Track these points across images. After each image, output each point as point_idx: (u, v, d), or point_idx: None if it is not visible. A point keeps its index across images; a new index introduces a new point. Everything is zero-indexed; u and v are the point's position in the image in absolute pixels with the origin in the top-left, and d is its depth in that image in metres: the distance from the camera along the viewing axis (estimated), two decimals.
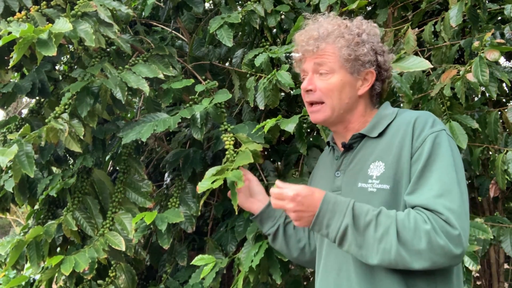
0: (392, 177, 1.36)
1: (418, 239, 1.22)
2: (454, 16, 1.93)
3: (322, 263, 1.50)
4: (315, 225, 1.34)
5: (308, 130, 2.48)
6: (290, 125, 1.86)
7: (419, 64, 1.61)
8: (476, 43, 1.74)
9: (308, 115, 1.84)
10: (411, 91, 1.82)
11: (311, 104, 1.53)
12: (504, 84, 2.63)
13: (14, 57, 1.79)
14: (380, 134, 1.46)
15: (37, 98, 2.42)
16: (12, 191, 2.02)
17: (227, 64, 2.95)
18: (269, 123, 1.89)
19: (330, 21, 1.52)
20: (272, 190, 1.38)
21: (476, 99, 2.40)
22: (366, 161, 1.44)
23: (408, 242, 1.23)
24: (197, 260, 2.01)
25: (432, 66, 1.59)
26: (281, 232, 1.71)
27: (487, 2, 2.13)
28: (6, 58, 2.14)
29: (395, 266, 1.26)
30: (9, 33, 1.77)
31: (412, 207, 1.30)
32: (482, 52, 1.71)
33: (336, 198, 1.35)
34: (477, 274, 2.97)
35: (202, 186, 1.71)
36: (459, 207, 1.26)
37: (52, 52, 1.75)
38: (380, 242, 1.25)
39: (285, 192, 1.34)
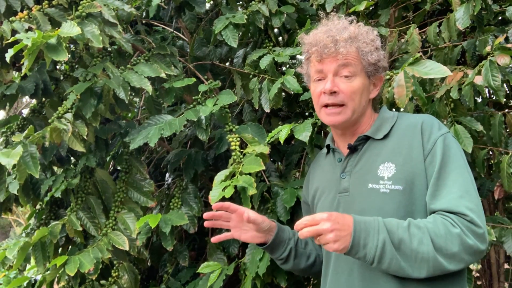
0: (404, 178, 1.39)
1: (451, 243, 1.26)
2: (460, 18, 1.92)
3: (332, 266, 1.50)
4: (353, 246, 1.26)
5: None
6: (304, 134, 1.84)
7: (438, 70, 1.56)
8: (488, 48, 1.73)
9: (318, 120, 1.82)
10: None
11: (327, 105, 1.49)
12: (504, 85, 2.63)
13: (26, 64, 1.78)
14: (385, 136, 1.48)
15: None
16: (16, 193, 2.01)
17: (227, 64, 2.95)
18: (283, 132, 1.87)
19: (349, 24, 1.52)
20: (299, 221, 1.28)
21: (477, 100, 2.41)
22: (373, 162, 1.46)
23: (443, 248, 1.26)
24: (203, 268, 1.99)
25: (451, 74, 1.56)
26: (293, 255, 1.66)
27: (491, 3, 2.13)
28: (17, 65, 2.14)
29: (432, 273, 1.28)
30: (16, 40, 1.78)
31: (435, 211, 1.34)
32: (492, 56, 1.70)
33: (363, 217, 1.30)
34: (477, 274, 2.98)
35: (214, 195, 1.69)
36: (477, 205, 1.33)
37: (63, 57, 1.75)
38: (418, 252, 1.26)
39: (317, 216, 1.26)
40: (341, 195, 1.50)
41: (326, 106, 1.49)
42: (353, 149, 1.52)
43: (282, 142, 1.87)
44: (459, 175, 1.36)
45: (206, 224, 1.57)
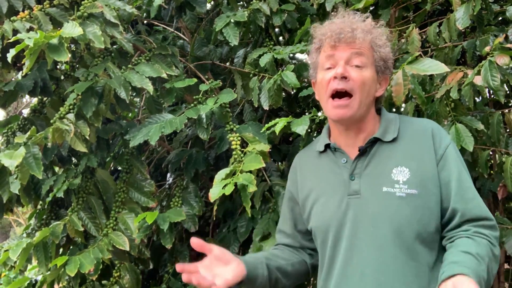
0: (418, 182, 1.40)
1: (495, 263, 1.34)
2: (460, 18, 1.93)
3: (338, 269, 1.46)
4: None
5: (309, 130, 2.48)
6: (301, 127, 1.83)
7: (436, 67, 1.58)
8: (487, 48, 1.73)
9: (316, 116, 1.81)
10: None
11: (336, 97, 1.45)
12: (504, 85, 2.64)
13: (27, 64, 1.79)
14: (394, 139, 1.48)
15: (39, 97, 2.41)
16: (17, 193, 2.02)
17: (228, 64, 2.95)
18: (280, 124, 1.86)
19: (363, 18, 1.51)
20: None
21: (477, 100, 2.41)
22: (385, 165, 1.45)
23: (490, 270, 1.30)
24: None
25: (449, 70, 1.57)
26: (280, 275, 1.54)
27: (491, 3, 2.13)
28: (18, 65, 2.15)
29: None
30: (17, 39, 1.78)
31: (464, 218, 1.39)
32: (492, 57, 1.69)
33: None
34: None
35: (214, 193, 1.69)
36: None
37: (65, 57, 1.76)
38: (485, 280, 1.27)
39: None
40: (351, 197, 1.46)
41: (335, 95, 1.45)
42: (362, 151, 1.49)
43: (277, 133, 1.86)
44: (470, 180, 1.44)
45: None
